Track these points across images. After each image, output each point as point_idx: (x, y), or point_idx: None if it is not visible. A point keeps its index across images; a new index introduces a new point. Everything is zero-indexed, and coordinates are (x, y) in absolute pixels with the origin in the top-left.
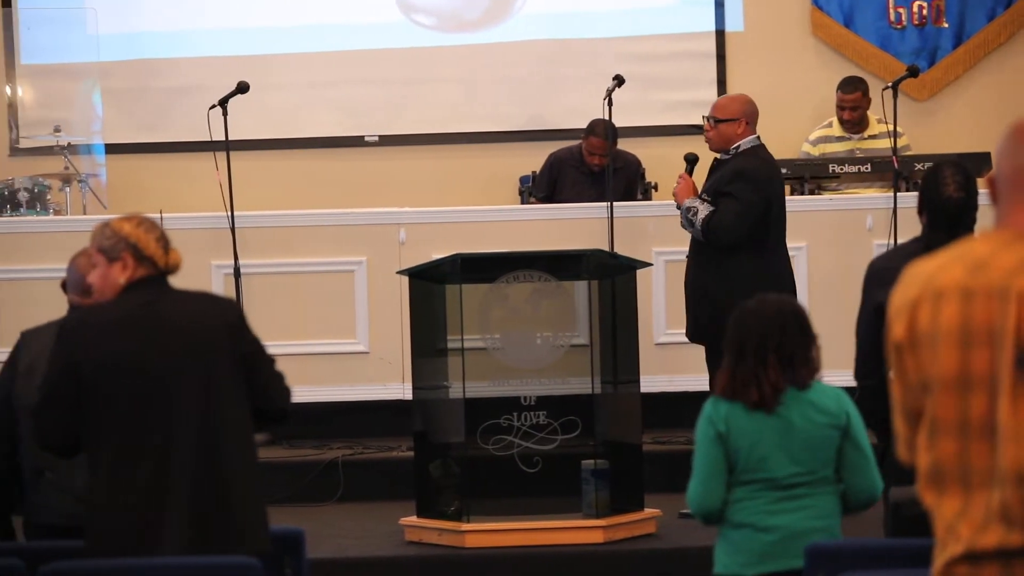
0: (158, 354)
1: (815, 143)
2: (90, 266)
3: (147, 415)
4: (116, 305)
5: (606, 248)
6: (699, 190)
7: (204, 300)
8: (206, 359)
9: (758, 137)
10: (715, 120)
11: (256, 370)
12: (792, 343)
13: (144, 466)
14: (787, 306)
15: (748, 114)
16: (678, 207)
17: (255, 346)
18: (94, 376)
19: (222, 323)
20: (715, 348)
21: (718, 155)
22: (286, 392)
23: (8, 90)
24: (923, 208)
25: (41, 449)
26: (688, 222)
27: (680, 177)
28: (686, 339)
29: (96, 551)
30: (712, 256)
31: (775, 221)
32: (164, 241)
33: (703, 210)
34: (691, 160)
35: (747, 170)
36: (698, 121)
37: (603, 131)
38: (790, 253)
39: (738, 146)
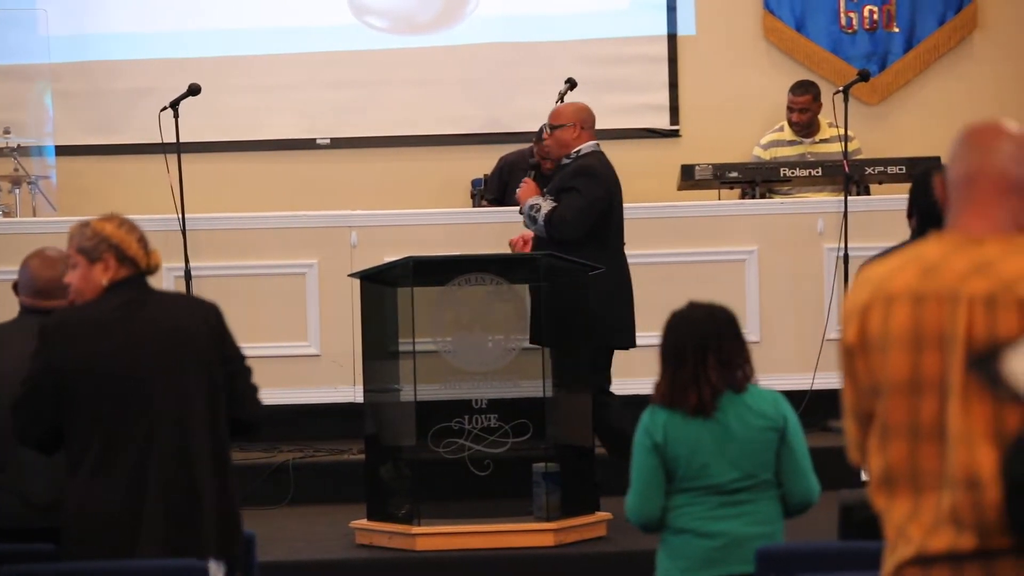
0: (139, 355)
1: (766, 147)
2: (67, 267)
3: (127, 416)
4: (98, 305)
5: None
6: (544, 192)
7: (186, 302)
8: (186, 361)
9: (598, 144)
10: (551, 127)
11: (235, 377)
12: (729, 346)
13: (123, 467)
14: (720, 311)
15: (583, 120)
16: (520, 211)
17: (235, 352)
18: (75, 376)
19: (204, 326)
20: (565, 349)
21: (560, 162)
22: (259, 405)
23: None
24: (912, 212)
25: (20, 444)
26: (531, 219)
27: (523, 181)
28: (639, 342)
29: (74, 553)
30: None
31: (616, 220)
32: (145, 242)
33: (546, 206)
34: (534, 165)
35: (590, 166)
36: (650, 124)
37: None
38: (741, 256)
39: (579, 150)
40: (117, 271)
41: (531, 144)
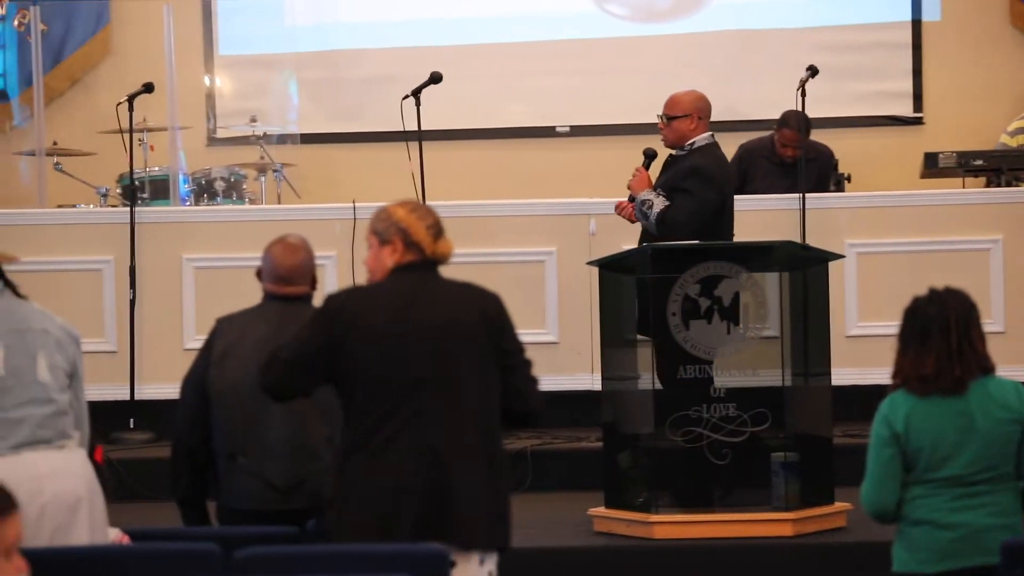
0: (413, 341)
1: (1013, 134)
2: (309, 255)
3: (396, 400)
4: (382, 287)
5: (797, 239)
6: (654, 184)
7: (466, 291)
8: (459, 351)
9: (712, 135)
10: (668, 117)
11: (512, 369)
12: (973, 333)
13: (391, 451)
14: (965, 298)
15: (700, 109)
16: (631, 199)
17: (513, 344)
18: (349, 355)
19: (480, 317)
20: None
21: (673, 152)
22: (538, 396)
23: (207, 80)
24: None
25: (260, 386)
26: (643, 215)
27: (636, 170)
28: (879, 332)
29: (344, 533)
30: None
31: (727, 219)
32: (435, 229)
33: (658, 204)
34: (649, 155)
35: (703, 167)
36: (893, 112)
37: (796, 123)
38: (985, 245)
39: (693, 142)
40: (403, 255)
41: (771, 132)
